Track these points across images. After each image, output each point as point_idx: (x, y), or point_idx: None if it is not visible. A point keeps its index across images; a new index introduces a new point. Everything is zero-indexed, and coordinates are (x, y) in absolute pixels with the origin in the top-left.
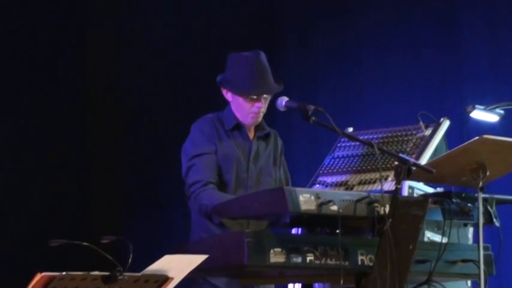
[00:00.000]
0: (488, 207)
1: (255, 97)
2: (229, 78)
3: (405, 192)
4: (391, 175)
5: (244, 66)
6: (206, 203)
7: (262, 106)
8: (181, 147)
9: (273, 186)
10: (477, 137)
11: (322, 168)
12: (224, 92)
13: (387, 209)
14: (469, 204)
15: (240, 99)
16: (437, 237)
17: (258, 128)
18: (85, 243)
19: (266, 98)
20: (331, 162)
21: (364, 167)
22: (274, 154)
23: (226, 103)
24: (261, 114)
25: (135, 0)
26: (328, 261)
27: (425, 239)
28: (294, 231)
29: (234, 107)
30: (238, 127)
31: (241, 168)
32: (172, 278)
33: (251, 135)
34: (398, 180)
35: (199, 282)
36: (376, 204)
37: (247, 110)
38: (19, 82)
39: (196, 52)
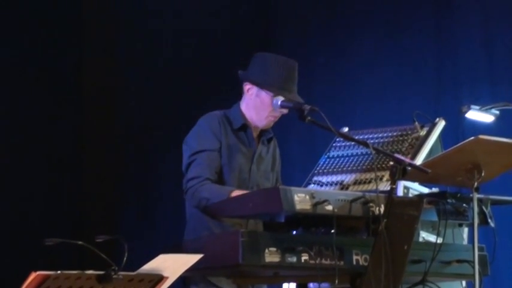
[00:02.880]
0: (483, 208)
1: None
2: (260, 75)
3: (400, 192)
4: (387, 175)
5: (281, 67)
6: (207, 196)
7: (284, 112)
8: (184, 138)
9: None
10: (472, 138)
11: (318, 168)
12: (247, 88)
13: (382, 209)
14: (464, 205)
15: (266, 99)
16: (432, 238)
17: (263, 131)
18: (80, 242)
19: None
20: (326, 162)
21: (359, 167)
22: (273, 160)
23: (224, 105)
24: (274, 121)
25: (132, 3)
26: (323, 261)
27: (420, 239)
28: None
29: (251, 105)
30: (245, 128)
31: (244, 168)
32: (167, 277)
33: (256, 137)
34: (394, 180)
35: (198, 280)
36: (371, 204)
37: (269, 113)
38: (16, 84)
39: (191, 54)
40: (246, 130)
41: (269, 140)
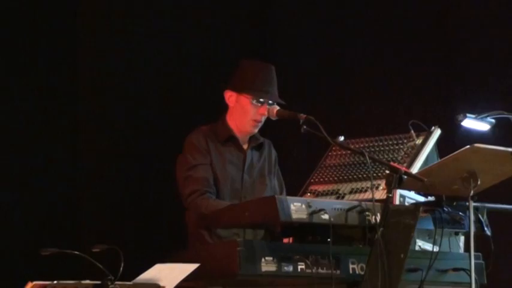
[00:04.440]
0: (480, 216)
1: (262, 100)
2: (238, 80)
3: (396, 201)
4: (383, 184)
5: (257, 71)
6: (205, 211)
7: (263, 116)
8: (176, 160)
9: (268, 194)
10: (468, 146)
11: (314, 177)
12: (227, 96)
13: (378, 217)
14: (460, 213)
15: (245, 103)
16: (428, 246)
17: (252, 138)
18: (76, 252)
19: (267, 109)
20: (322, 171)
21: (355, 176)
22: (269, 163)
23: (219, 113)
24: (260, 125)
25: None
26: (320, 270)
27: (417, 248)
28: (285, 240)
29: (234, 113)
30: (232, 139)
31: (235, 179)
32: (163, 287)
33: (245, 146)
34: (390, 189)
35: None
36: (367, 213)
37: (250, 116)
38: (8, 86)
39: (187, 62)
40: (234, 141)
41: (260, 146)
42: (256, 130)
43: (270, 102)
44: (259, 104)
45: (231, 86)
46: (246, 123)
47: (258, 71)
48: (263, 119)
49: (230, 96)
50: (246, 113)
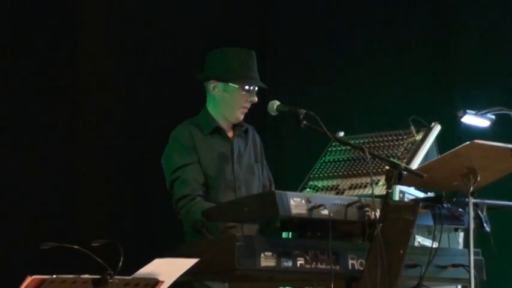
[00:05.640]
0: (479, 212)
1: (250, 88)
2: (222, 69)
3: (396, 196)
4: (382, 179)
5: (241, 58)
6: (198, 217)
7: (250, 103)
8: (161, 157)
9: (257, 184)
10: (468, 142)
11: (313, 173)
12: (212, 86)
13: (378, 213)
14: (459, 209)
15: (234, 92)
16: (427, 242)
17: (236, 126)
18: (75, 246)
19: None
20: (322, 167)
21: (355, 172)
22: (255, 150)
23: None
24: (246, 110)
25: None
26: (319, 266)
27: (416, 244)
28: (284, 235)
29: (221, 103)
30: (217, 130)
31: (227, 171)
32: (162, 282)
33: (230, 134)
34: (389, 185)
35: (194, 284)
36: (367, 209)
37: (240, 104)
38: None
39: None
40: (219, 132)
41: (245, 132)
42: (242, 116)
43: (256, 88)
44: (250, 88)
45: (215, 76)
46: (236, 111)
47: (242, 59)
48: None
49: (215, 87)
50: (235, 101)
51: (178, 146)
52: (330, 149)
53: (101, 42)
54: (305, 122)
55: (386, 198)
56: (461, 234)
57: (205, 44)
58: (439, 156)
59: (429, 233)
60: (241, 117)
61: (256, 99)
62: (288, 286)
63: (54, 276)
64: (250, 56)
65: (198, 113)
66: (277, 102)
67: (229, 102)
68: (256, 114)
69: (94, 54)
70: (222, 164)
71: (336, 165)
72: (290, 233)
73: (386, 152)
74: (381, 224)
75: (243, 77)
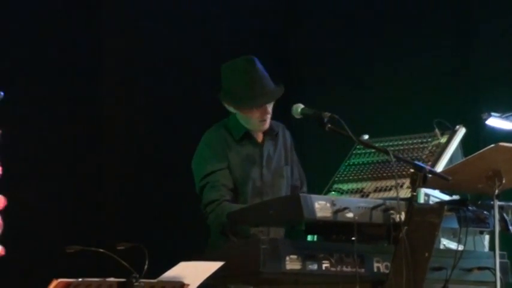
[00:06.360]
0: (505, 215)
1: (260, 107)
2: (228, 91)
3: (421, 199)
4: (407, 182)
5: (240, 76)
6: (224, 219)
7: (268, 114)
8: (192, 161)
9: (286, 187)
10: (493, 145)
11: (338, 176)
12: (226, 105)
13: (403, 216)
14: (485, 212)
15: (246, 112)
16: (453, 245)
17: (267, 130)
18: (101, 250)
19: (270, 104)
20: (346, 170)
21: (379, 174)
22: (285, 152)
23: None
24: (269, 120)
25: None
26: (344, 269)
27: (441, 247)
28: (309, 238)
29: (239, 117)
30: (247, 135)
31: (255, 176)
32: (187, 285)
33: (260, 138)
34: (414, 188)
35: None
36: (391, 212)
37: (255, 120)
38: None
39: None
40: (249, 137)
41: (275, 135)
42: (267, 126)
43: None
44: (259, 109)
45: (224, 100)
46: (255, 125)
47: (241, 77)
48: (269, 114)
49: (228, 106)
50: (251, 118)
51: (208, 152)
52: (354, 152)
53: (124, 48)
54: (329, 125)
55: (411, 201)
56: (487, 237)
57: (231, 45)
58: (464, 159)
59: (454, 235)
60: (264, 127)
61: (269, 110)
62: None
63: (80, 279)
64: (252, 69)
65: (225, 116)
66: (302, 106)
67: (246, 119)
68: (280, 118)
69: (119, 55)
70: (251, 169)
71: (361, 168)
72: (315, 236)
73: (411, 155)
74: (406, 227)
75: (249, 103)
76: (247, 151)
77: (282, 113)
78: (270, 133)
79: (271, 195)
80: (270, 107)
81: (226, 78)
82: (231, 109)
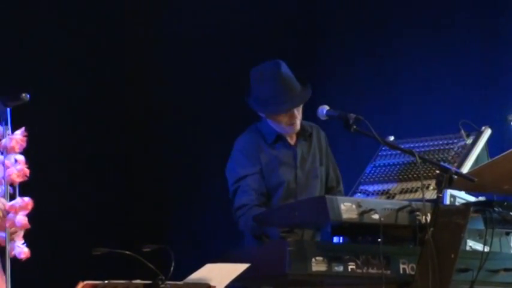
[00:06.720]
0: None
1: (286, 112)
2: (256, 96)
3: (447, 201)
4: (433, 184)
5: (268, 82)
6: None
7: (296, 117)
8: (226, 167)
9: (320, 188)
10: None
11: (364, 177)
12: (255, 110)
13: (429, 217)
14: (511, 213)
15: (273, 118)
16: (479, 246)
17: (299, 131)
18: (127, 252)
19: (298, 107)
20: (372, 171)
21: (405, 176)
22: (320, 153)
23: None
24: (298, 122)
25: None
26: (370, 270)
27: (467, 248)
28: (335, 240)
29: (269, 122)
30: (280, 138)
31: (289, 178)
32: (213, 287)
33: (293, 141)
34: (440, 189)
35: None
36: (417, 213)
37: (283, 125)
38: (68, 89)
39: (239, 60)
40: (281, 140)
41: (309, 136)
42: (297, 128)
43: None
44: (286, 113)
45: (253, 108)
46: (284, 129)
47: (268, 83)
48: (298, 117)
49: (257, 112)
50: (279, 122)
51: (241, 156)
52: (380, 153)
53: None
54: (355, 127)
55: (437, 202)
56: None
57: (262, 47)
58: (490, 160)
59: (480, 237)
60: (294, 130)
61: (297, 114)
62: None
63: (106, 281)
64: (280, 76)
65: (244, 114)
66: (327, 107)
67: (275, 124)
68: (305, 119)
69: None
70: (285, 172)
71: (386, 170)
72: (341, 238)
73: (436, 156)
74: (432, 229)
75: (275, 109)
76: (281, 154)
77: (307, 115)
78: (302, 134)
79: (305, 197)
80: (298, 111)
81: (254, 83)
82: (261, 114)
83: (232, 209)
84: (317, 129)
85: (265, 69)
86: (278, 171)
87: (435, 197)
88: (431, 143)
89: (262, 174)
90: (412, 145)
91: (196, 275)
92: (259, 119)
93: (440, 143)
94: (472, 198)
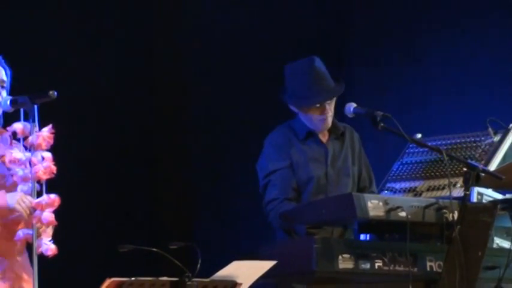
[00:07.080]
0: None
1: (318, 105)
2: (289, 91)
3: (474, 198)
4: (460, 181)
5: (301, 76)
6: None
7: (328, 112)
8: (257, 161)
9: (352, 186)
10: None
11: (391, 174)
12: (288, 104)
13: (456, 215)
14: None
15: (306, 111)
16: (506, 244)
17: (331, 129)
18: (154, 249)
19: (330, 102)
20: (399, 168)
21: (432, 173)
22: (352, 153)
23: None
24: (330, 119)
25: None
26: (397, 268)
27: (494, 246)
28: (362, 237)
29: (301, 117)
30: (311, 134)
31: (320, 174)
32: (240, 284)
33: (325, 138)
34: (467, 187)
35: None
36: (444, 211)
37: (315, 119)
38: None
39: (267, 59)
40: (313, 136)
41: (341, 135)
42: (328, 125)
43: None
44: (318, 105)
45: (287, 102)
46: (315, 124)
47: (301, 77)
48: (330, 113)
49: (289, 105)
50: (310, 118)
51: (272, 151)
52: (407, 151)
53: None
54: (382, 124)
55: (464, 200)
56: None
57: (293, 45)
58: None
59: (507, 234)
60: (325, 127)
61: (329, 109)
62: None
63: (133, 278)
64: (313, 70)
65: (273, 110)
66: (354, 105)
67: (306, 118)
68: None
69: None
70: (315, 168)
71: (414, 167)
72: (368, 235)
73: (464, 154)
74: (458, 226)
75: (307, 101)
76: (312, 150)
77: (334, 112)
78: (334, 132)
79: (335, 194)
80: (330, 106)
81: (288, 78)
82: (293, 108)
83: (262, 203)
84: (350, 130)
85: (299, 64)
86: (308, 166)
87: (462, 194)
88: (458, 141)
89: (292, 169)
90: (439, 142)
91: (223, 272)
92: (292, 117)
93: (468, 140)
94: (499, 196)
